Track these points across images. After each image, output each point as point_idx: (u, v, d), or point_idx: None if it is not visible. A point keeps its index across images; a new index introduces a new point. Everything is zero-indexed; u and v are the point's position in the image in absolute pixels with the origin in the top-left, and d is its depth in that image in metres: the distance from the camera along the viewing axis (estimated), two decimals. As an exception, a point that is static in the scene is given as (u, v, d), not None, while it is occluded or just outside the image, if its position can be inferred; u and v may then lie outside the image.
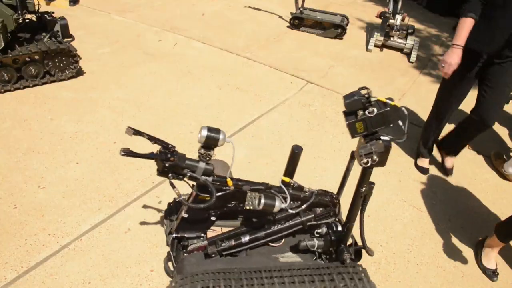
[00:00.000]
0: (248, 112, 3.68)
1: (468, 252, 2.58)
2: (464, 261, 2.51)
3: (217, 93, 3.94)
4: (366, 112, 1.54)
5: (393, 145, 3.50)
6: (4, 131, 3.05)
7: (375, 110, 1.53)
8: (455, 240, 2.65)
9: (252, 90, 4.06)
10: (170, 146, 1.62)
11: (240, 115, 3.60)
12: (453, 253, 2.56)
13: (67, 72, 3.76)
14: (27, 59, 3.49)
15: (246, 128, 3.44)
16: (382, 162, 1.65)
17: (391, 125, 1.54)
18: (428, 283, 2.33)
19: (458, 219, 2.83)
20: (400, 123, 1.54)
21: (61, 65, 3.70)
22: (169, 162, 1.59)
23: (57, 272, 2.10)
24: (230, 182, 1.68)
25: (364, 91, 1.59)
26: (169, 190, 2.70)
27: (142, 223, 2.44)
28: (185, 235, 1.83)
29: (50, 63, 3.63)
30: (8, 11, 3.35)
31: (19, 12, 3.51)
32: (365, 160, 1.61)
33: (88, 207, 2.50)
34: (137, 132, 1.55)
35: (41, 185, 2.62)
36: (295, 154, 1.87)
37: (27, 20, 3.70)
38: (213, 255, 1.82)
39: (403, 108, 1.53)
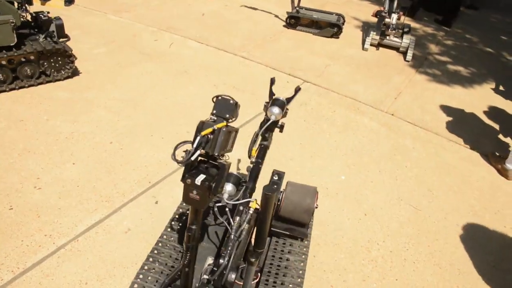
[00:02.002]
0: (245, 111, 3.68)
1: (464, 249, 2.59)
2: (460, 258, 2.52)
3: (213, 93, 3.89)
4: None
5: (392, 145, 3.54)
6: (0, 132, 3.04)
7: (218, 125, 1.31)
8: (451, 238, 2.66)
9: (248, 89, 4.06)
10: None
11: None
12: (449, 250, 2.57)
13: (63, 72, 3.75)
14: (22, 59, 3.48)
15: (242, 128, 3.44)
16: (201, 199, 1.29)
17: (215, 154, 1.31)
18: (424, 281, 2.34)
19: (454, 217, 2.84)
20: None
21: (57, 65, 3.68)
22: None
23: (54, 273, 2.10)
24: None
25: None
26: (165, 190, 2.69)
27: (139, 223, 2.44)
28: None
29: (45, 63, 3.61)
30: (14, 7, 3.36)
31: (24, 7, 3.51)
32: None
33: (85, 208, 2.50)
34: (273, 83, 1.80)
35: (37, 185, 2.61)
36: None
37: (23, 20, 3.68)
38: None
39: (228, 161, 1.33)
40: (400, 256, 2.47)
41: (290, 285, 1.75)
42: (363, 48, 5.42)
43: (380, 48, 5.50)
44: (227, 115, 1.38)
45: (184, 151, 1.30)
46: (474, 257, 2.55)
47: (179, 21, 5.47)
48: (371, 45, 5.45)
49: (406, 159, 3.35)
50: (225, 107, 1.40)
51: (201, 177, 1.28)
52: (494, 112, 4.30)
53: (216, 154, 1.33)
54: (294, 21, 5.70)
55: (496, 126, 4.05)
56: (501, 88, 4.86)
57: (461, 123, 3.99)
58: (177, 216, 2.05)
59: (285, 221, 1.93)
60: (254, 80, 4.25)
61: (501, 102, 4.54)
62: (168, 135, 3.23)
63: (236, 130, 1.50)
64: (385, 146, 3.49)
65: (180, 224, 2.00)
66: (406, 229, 2.68)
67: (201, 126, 1.31)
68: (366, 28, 6.09)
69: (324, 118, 3.75)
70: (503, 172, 3.34)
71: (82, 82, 3.83)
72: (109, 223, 2.41)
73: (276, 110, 1.69)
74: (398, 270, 2.38)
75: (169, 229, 1.98)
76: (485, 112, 4.28)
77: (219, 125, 1.31)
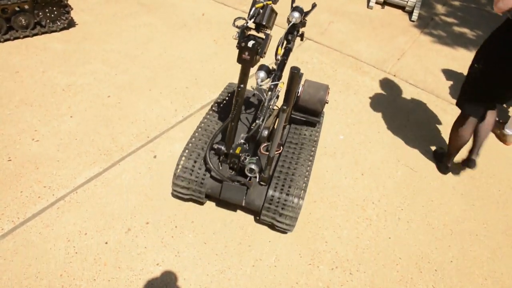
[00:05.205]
0: (245, 68, 3.62)
1: (457, 211, 2.63)
2: (453, 219, 2.57)
3: (213, 47, 3.86)
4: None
5: (393, 106, 3.51)
6: (-5, 83, 2.99)
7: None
8: (445, 199, 2.70)
9: (249, 45, 3.97)
10: None
11: (236, 69, 3.53)
12: (443, 211, 2.61)
13: (59, 23, 3.64)
14: (17, 8, 3.36)
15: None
16: (250, 59, 1.80)
17: (264, 23, 1.77)
18: (417, 240, 2.39)
19: (450, 179, 2.86)
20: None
21: (52, 15, 3.57)
22: None
23: (54, 223, 2.13)
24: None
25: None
26: (163, 145, 2.69)
27: (137, 177, 2.45)
28: None
29: (40, 13, 3.50)
30: None
31: None
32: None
33: (83, 160, 2.50)
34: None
35: (35, 138, 2.60)
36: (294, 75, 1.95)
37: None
38: None
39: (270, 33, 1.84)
40: (395, 216, 2.52)
41: (306, 155, 2.33)
42: (368, 6, 5.26)
43: (386, 7, 5.34)
44: None
45: (236, 31, 1.77)
46: (467, 218, 2.60)
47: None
48: (376, 2, 5.29)
49: (406, 121, 3.34)
50: None
51: (252, 41, 1.75)
52: (497, 76, 4.24)
53: (264, 23, 1.77)
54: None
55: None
56: (506, 51, 4.76)
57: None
58: (216, 104, 2.57)
59: (303, 111, 2.49)
60: (255, 36, 4.14)
61: (505, 66, 4.46)
62: (166, 89, 3.19)
63: (276, 13, 1.88)
64: (386, 107, 3.46)
65: (221, 106, 2.54)
66: (402, 190, 2.71)
67: (254, 2, 1.76)
68: (372, -15, 5.87)
69: (325, 77, 3.70)
70: (501, 138, 3.34)
71: (79, 33, 3.73)
72: (107, 176, 2.43)
73: (296, 14, 2.00)
74: (391, 229, 2.43)
75: (211, 111, 2.52)
76: (488, 76, 4.21)
77: (268, 2, 1.77)
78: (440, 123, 3.39)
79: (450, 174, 2.90)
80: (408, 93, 3.71)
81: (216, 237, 2.20)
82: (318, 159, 2.78)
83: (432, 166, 2.94)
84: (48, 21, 3.57)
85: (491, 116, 2.66)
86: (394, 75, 3.93)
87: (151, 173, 2.49)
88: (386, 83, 3.78)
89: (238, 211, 2.36)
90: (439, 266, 2.27)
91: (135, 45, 3.69)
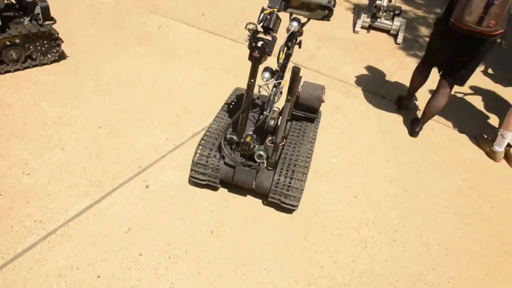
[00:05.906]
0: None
1: (452, 229, 2.63)
2: (448, 238, 2.57)
3: (203, 76, 3.90)
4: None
5: (382, 127, 3.55)
6: (-14, 117, 2.99)
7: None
8: (439, 219, 2.70)
9: (238, 72, 4.03)
10: None
11: (226, 98, 3.57)
12: (437, 231, 2.61)
13: (49, 56, 3.67)
14: (8, 43, 3.40)
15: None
16: (259, 57, 2.12)
17: (271, 26, 2.14)
18: (413, 261, 2.38)
19: (442, 198, 2.88)
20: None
21: (43, 48, 3.61)
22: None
23: (45, 258, 2.09)
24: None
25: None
26: (155, 175, 2.69)
27: (129, 207, 2.43)
28: None
29: (31, 47, 3.53)
30: None
31: None
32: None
33: (75, 193, 2.48)
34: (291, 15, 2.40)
35: (25, 171, 2.58)
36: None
37: (7, 2, 3.58)
38: None
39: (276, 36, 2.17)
40: (390, 237, 2.51)
41: (306, 146, 2.65)
42: (354, 31, 5.38)
43: (371, 31, 5.47)
44: (277, 6, 2.19)
45: (248, 33, 2.11)
46: (461, 237, 2.60)
47: (168, 2, 5.37)
48: (362, 27, 5.42)
49: (396, 142, 3.38)
50: (275, 1, 2.23)
51: (261, 42, 2.06)
52: (483, 95, 4.33)
53: (271, 26, 2.10)
54: (284, 2, 5.60)
55: (485, 109, 4.08)
56: (489, 71, 4.88)
57: (450, 106, 4.01)
58: (226, 104, 2.92)
59: (302, 109, 2.84)
60: (243, 63, 4.17)
61: (490, 85, 4.57)
62: (157, 119, 3.21)
63: (280, 19, 2.21)
64: (376, 128, 3.50)
65: (231, 106, 2.89)
66: (396, 211, 2.71)
67: (263, 9, 2.11)
68: (357, 10, 6.04)
69: (315, 101, 3.74)
70: (491, 154, 3.38)
71: (70, 65, 3.76)
72: (99, 208, 2.41)
73: (294, 23, 2.31)
74: (387, 251, 2.42)
75: (223, 110, 2.86)
76: (474, 95, 4.31)
77: (274, 9, 2.13)
78: (429, 142, 3.43)
79: (442, 192, 2.91)
80: (397, 114, 3.76)
81: (210, 267, 2.17)
82: (311, 183, 2.79)
83: (425, 185, 2.96)
84: (39, 54, 3.61)
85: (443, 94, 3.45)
86: (383, 97, 3.99)
87: (143, 203, 2.47)
88: (375, 106, 3.83)
89: (232, 238, 2.34)
90: (437, 287, 2.25)
91: (126, 76, 3.72)
